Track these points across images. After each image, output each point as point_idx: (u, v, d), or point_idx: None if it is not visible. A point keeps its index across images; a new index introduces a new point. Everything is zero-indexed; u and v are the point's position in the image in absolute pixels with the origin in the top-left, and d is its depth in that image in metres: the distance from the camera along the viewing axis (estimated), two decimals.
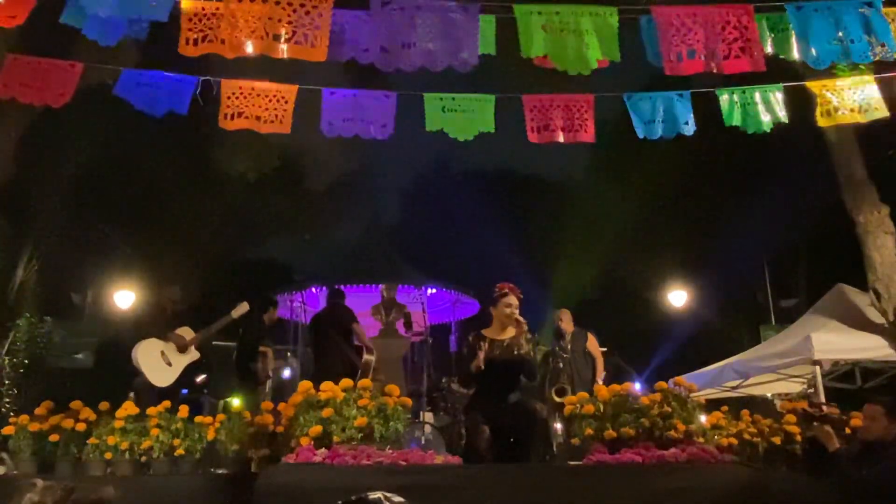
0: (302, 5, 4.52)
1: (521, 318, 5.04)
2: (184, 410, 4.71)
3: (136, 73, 5.34)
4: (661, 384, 4.80)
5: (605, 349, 8.50)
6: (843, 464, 4.20)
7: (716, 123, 5.52)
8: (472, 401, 5.25)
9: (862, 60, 4.87)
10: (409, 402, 4.52)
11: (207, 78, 5.22)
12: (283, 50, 4.48)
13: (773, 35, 5.07)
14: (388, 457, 4.09)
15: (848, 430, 4.81)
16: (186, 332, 6.17)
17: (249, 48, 4.48)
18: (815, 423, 4.55)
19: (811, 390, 9.31)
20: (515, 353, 5.00)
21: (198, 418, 4.71)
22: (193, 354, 6.16)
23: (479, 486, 4.06)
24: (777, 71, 5.34)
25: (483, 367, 4.89)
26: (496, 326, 5.14)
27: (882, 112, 5.35)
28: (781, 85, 5.52)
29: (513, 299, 5.12)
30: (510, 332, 5.06)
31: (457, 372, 7.05)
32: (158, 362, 5.94)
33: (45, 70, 5.14)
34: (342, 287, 8.15)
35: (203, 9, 4.64)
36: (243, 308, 6.52)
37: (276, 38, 4.45)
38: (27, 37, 4.49)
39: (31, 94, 5.13)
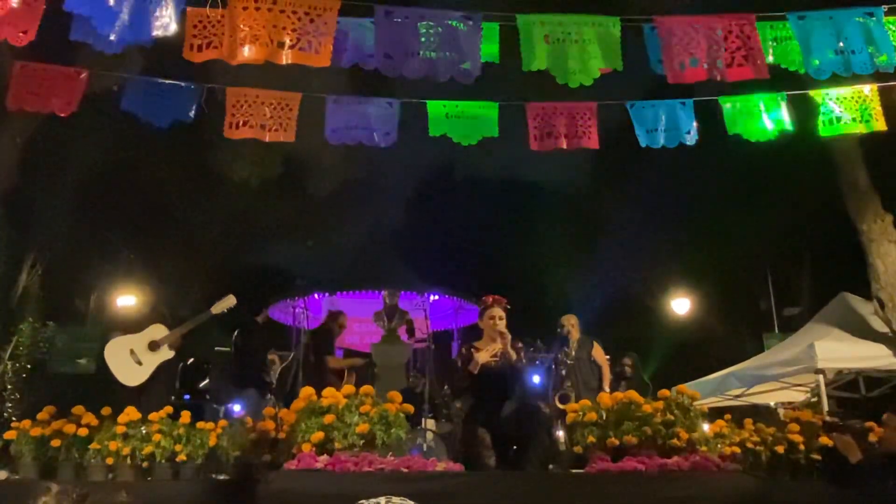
0: (307, 13, 4.55)
1: (504, 331, 5.08)
2: (186, 416, 4.71)
3: (140, 83, 5.37)
4: (664, 392, 4.79)
5: (629, 360, 8.50)
6: (867, 476, 4.15)
7: (719, 131, 5.54)
8: (469, 413, 5.29)
9: (863, 71, 4.88)
10: (410, 408, 4.53)
11: (212, 86, 5.24)
12: (288, 56, 4.50)
13: (774, 44, 5.08)
14: (389, 463, 4.09)
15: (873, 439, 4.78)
16: (159, 331, 5.87)
17: (253, 54, 4.50)
18: (833, 434, 4.50)
19: (815, 399, 9.29)
20: (505, 362, 5.04)
21: (200, 424, 4.71)
22: (166, 353, 5.83)
23: (480, 494, 4.06)
24: (780, 79, 5.36)
25: (477, 370, 4.96)
26: (486, 338, 5.19)
27: (883, 122, 5.35)
28: (784, 93, 5.53)
29: (497, 310, 5.17)
30: (498, 345, 5.11)
31: (448, 383, 7.11)
32: (127, 361, 5.70)
33: (51, 78, 5.17)
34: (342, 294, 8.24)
35: (208, 15, 4.67)
36: (228, 302, 6.05)
37: (281, 44, 4.47)
38: (32, 42, 4.51)
39: (39, 102, 5.17)
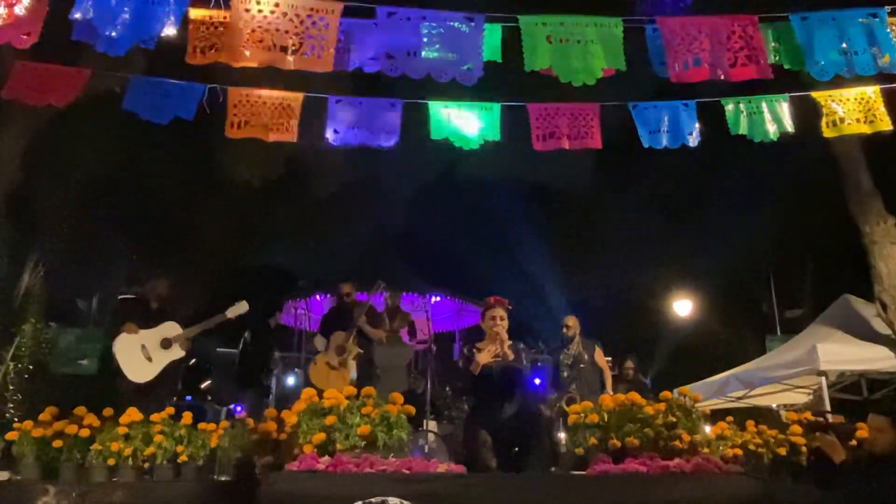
0: (309, 16, 4.55)
1: (501, 332, 5.09)
2: (187, 417, 4.71)
3: (143, 82, 5.37)
4: (666, 394, 4.78)
5: (630, 363, 8.49)
6: (851, 477, 4.14)
7: (722, 133, 5.53)
8: (471, 413, 5.29)
9: (866, 72, 4.88)
10: (412, 410, 4.52)
11: (214, 86, 5.25)
12: (290, 62, 4.50)
13: (777, 45, 5.09)
14: (391, 465, 4.09)
15: (854, 442, 4.77)
16: (172, 329, 5.88)
17: (256, 59, 4.50)
18: (817, 434, 4.48)
19: (816, 401, 9.27)
20: (507, 364, 5.04)
21: (201, 425, 4.71)
22: (177, 352, 5.83)
23: (482, 495, 4.05)
24: (783, 80, 5.36)
25: (478, 371, 4.97)
26: (488, 339, 5.20)
27: (887, 123, 5.35)
28: (787, 95, 5.53)
29: (498, 311, 5.19)
30: (498, 346, 5.11)
31: (449, 384, 7.12)
32: (138, 357, 5.66)
33: (51, 76, 5.18)
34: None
35: (211, 18, 4.68)
36: (241, 308, 6.05)
37: (283, 49, 4.47)
38: (35, 42, 4.52)
39: (36, 96, 5.16)
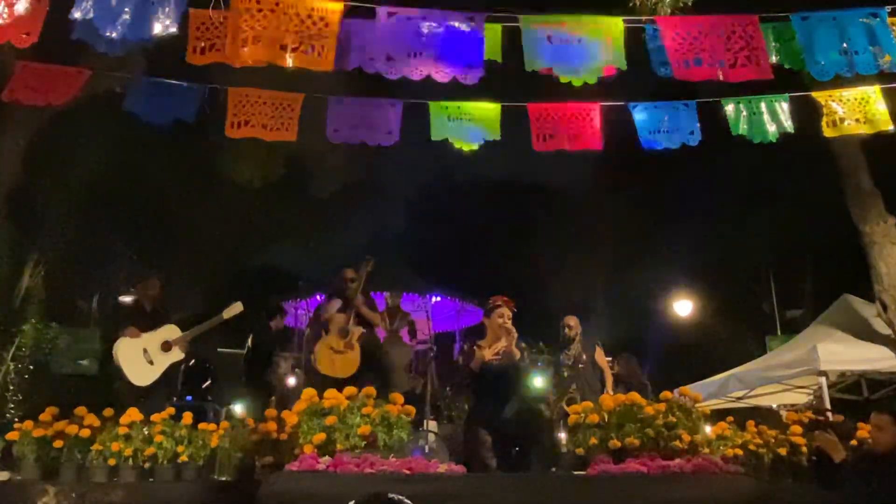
0: (309, 16, 4.55)
1: (511, 328, 5.12)
2: (188, 417, 4.72)
3: (143, 83, 5.37)
4: (666, 394, 4.78)
5: (625, 364, 8.47)
6: (853, 476, 4.12)
7: (722, 133, 5.52)
8: (471, 412, 5.30)
9: (866, 72, 4.87)
10: (412, 410, 4.52)
11: (214, 86, 5.25)
12: (290, 60, 4.50)
13: (778, 45, 5.08)
14: (391, 465, 4.09)
15: (854, 442, 4.77)
16: (172, 332, 5.94)
17: (256, 57, 4.49)
18: (817, 432, 4.47)
19: (816, 401, 9.27)
20: (509, 361, 5.06)
21: (202, 425, 4.72)
22: (177, 354, 5.90)
23: (482, 495, 4.05)
24: (783, 80, 5.35)
25: (479, 367, 4.98)
26: (490, 337, 5.21)
27: (887, 123, 5.34)
28: (787, 95, 5.52)
29: (505, 311, 5.21)
30: (503, 342, 5.12)
31: (448, 382, 7.11)
32: (140, 361, 5.71)
33: (52, 76, 5.19)
34: None
35: (210, 17, 4.67)
36: (236, 308, 6.13)
37: (283, 47, 4.47)
38: (36, 43, 4.53)
39: (37, 97, 5.18)
